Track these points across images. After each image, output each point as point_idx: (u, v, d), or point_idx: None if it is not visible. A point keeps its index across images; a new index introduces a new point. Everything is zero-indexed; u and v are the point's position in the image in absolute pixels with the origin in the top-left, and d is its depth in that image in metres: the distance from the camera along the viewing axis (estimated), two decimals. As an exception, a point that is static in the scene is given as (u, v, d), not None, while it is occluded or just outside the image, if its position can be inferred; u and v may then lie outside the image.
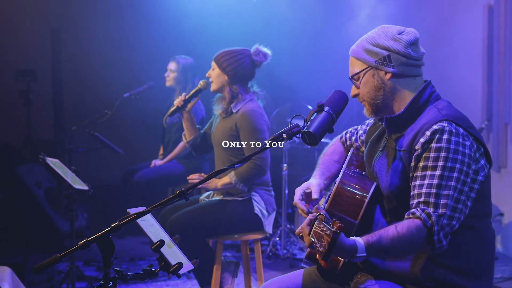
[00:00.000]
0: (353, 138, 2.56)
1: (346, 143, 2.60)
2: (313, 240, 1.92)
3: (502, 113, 5.25)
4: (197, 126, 3.85)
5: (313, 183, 2.41)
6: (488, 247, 2.15)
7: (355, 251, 1.94)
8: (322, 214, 1.90)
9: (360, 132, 2.53)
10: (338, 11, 6.61)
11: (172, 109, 3.72)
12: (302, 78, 6.47)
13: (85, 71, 6.35)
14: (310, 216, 2.04)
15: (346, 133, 2.61)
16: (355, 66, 2.21)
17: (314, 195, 2.34)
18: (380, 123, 2.30)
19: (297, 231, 2.09)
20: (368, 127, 2.47)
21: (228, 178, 3.66)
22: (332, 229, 1.82)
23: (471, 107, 5.66)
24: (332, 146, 2.64)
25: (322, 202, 2.46)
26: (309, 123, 2.06)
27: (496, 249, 5.33)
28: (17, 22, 6.23)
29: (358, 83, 2.20)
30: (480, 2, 5.50)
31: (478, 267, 2.12)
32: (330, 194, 2.28)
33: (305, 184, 2.42)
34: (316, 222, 1.93)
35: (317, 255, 1.93)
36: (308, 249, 2.23)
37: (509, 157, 5.27)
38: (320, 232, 1.88)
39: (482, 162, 2.08)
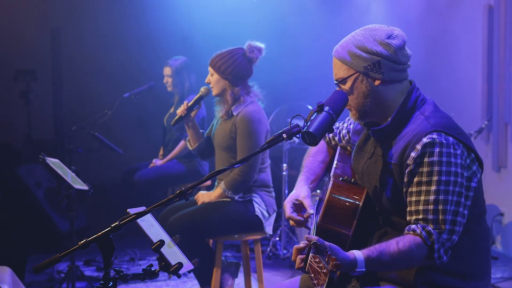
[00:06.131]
0: (337, 138, 2.52)
1: (331, 142, 2.56)
2: (310, 275, 1.90)
3: (502, 113, 5.25)
4: (201, 131, 3.86)
5: (302, 195, 2.34)
6: (483, 245, 2.13)
7: (355, 266, 1.93)
8: (315, 242, 1.86)
9: (344, 132, 2.48)
10: (338, 10, 6.60)
11: (176, 118, 3.73)
12: (302, 78, 6.47)
13: (85, 71, 6.34)
14: (302, 244, 2.01)
15: (328, 133, 2.55)
16: (341, 70, 2.12)
17: (310, 210, 2.27)
18: (366, 130, 2.25)
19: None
20: (352, 126, 2.43)
21: (220, 189, 3.68)
22: (328, 267, 1.80)
23: (471, 107, 5.66)
24: (316, 146, 2.60)
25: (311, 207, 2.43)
26: (309, 123, 2.04)
27: (496, 249, 5.33)
28: (17, 22, 6.21)
29: (344, 87, 2.13)
30: (480, 2, 5.49)
31: (475, 268, 2.11)
32: (320, 204, 2.25)
33: (292, 195, 2.37)
34: (311, 254, 1.89)
35: None
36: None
37: (509, 157, 5.27)
38: (317, 268, 1.86)
39: (474, 167, 2.05)
